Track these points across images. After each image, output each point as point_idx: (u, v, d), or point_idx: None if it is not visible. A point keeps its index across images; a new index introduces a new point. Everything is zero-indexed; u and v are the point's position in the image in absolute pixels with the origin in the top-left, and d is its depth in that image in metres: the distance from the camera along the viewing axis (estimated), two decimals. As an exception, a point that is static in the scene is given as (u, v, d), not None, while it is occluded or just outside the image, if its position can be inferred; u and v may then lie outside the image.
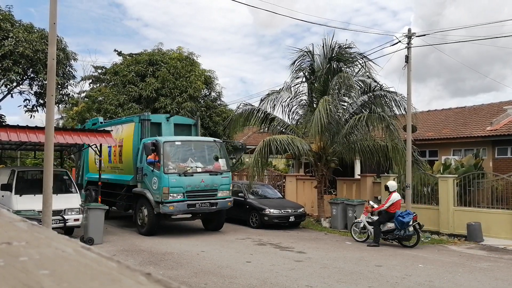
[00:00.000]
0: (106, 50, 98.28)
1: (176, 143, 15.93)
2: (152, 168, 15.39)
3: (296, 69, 20.63)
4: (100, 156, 16.73)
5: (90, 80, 36.08)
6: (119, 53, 31.24)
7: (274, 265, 11.13)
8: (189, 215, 16.07)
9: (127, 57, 29.95)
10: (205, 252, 12.70)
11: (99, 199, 16.79)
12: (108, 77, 30.13)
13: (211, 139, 17.50)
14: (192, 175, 15.37)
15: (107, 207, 15.35)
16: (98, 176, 18.52)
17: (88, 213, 13.76)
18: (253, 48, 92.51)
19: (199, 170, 15.67)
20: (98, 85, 34.09)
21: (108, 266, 0.83)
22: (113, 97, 26.28)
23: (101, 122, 20.37)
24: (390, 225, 14.34)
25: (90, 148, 17.62)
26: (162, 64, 27.33)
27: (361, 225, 15.16)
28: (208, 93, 29.56)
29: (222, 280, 9.49)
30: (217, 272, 10.28)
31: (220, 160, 16.43)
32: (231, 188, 16.75)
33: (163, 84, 26.16)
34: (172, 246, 13.64)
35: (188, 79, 26.58)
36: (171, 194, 14.92)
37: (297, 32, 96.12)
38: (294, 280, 9.61)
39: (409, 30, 17.75)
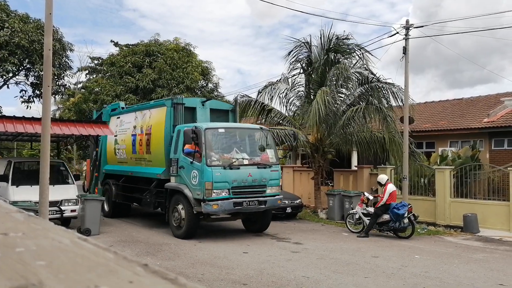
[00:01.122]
0: (102, 41, 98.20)
1: (219, 130, 13.81)
2: (192, 160, 13.20)
3: (293, 60, 20.59)
4: (96, 147, 16.71)
5: (87, 71, 36.01)
6: (116, 44, 31.19)
7: (271, 256, 11.16)
8: (229, 215, 14.07)
9: (124, 48, 29.94)
10: (202, 243, 12.73)
11: (96, 190, 16.77)
12: (104, 68, 30.10)
13: (258, 126, 15.50)
14: (238, 168, 13.21)
15: (103, 198, 15.24)
16: (118, 169, 17.37)
17: (85, 204, 13.77)
18: (251, 39, 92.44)
19: (245, 162, 13.55)
20: (94, 76, 34.04)
21: (105, 257, 0.83)
22: (110, 88, 26.25)
23: (122, 108, 18.36)
24: (386, 217, 14.38)
25: (108, 136, 16.92)
26: (158, 55, 27.32)
27: (356, 216, 15.19)
28: (205, 84, 29.59)
29: (219, 271, 9.53)
30: (214, 262, 10.31)
31: (268, 150, 14.35)
32: (281, 183, 14.94)
33: (160, 75, 26.15)
34: (169, 237, 13.67)
35: (185, 70, 26.58)
36: (214, 191, 12.74)
37: (294, 23, 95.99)
38: (291, 270, 9.65)
39: (407, 21, 17.72)
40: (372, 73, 19.55)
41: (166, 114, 14.87)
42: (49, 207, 11.36)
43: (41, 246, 0.85)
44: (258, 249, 12.05)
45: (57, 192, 13.66)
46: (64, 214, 14.11)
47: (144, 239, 13.28)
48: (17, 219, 1.07)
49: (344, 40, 19.70)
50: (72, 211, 14.31)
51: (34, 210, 11.25)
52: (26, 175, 15.69)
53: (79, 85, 40.59)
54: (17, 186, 14.31)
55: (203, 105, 15.60)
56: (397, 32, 17.77)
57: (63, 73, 23.22)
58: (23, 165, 17.02)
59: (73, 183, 15.61)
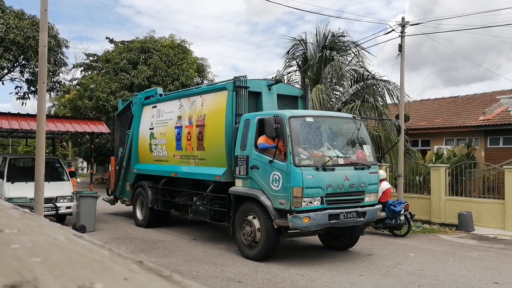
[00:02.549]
0: (98, 38, 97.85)
1: (307, 119, 10.64)
2: (272, 158, 10.01)
3: (289, 57, 20.65)
4: (92, 144, 16.66)
5: (82, 68, 35.92)
6: (111, 41, 31.16)
7: (266, 253, 11.16)
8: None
9: (119, 45, 29.93)
10: (196, 240, 12.72)
11: (91, 187, 16.73)
12: (100, 65, 30.07)
13: (350, 115, 12.24)
14: (332, 170, 10.05)
15: (99, 195, 15.11)
16: (155, 168, 14.67)
17: (80, 201, 13.74)
18: (246, 36, 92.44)
19: (340, 161, 10.44)
20: (90, 72, 33.96)
21: (100, 254, 0.83)
22: (105, 85, 26.23)
23: (160, 95, 14.98)
24: (382, 214, 14.38)
25: (141, 129, 15.17)
26: (154, 51, 27.30)
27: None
28: (200, 81, 29.57)
29: (214, 268, 9.53)
30: (209, 260, 10.31)
31: (364, 146, 11.21)
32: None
33: (155, 72, 26.15)
34: (164, 234, 13.65)
35: (180, 67, 26.57)
36: (305, 199, 9.57)
37: (290, 20, 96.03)
38: (286, 268, 9.66)
39: (403, 18, 17.72)
40: (367, 71, 19.64)
41: (227, 100, 11.67)
42: (44, 203, 11.36)
43: (36, 243, 0.85)
44: (253, 246, 12.05)
45: (52, 189, 13.64)
46: (59, 211, 14.08)
47: (139, 236, 13.25)
48: (13, 216, 1.07)
49: (340, 38, 19.78)
50: (67, 207, 14.29)
51: (29, 206, 11.24)
52: (21, 171, 15.66)
53: (74, 82, 40.51)
54: (12, 183, 14.26)
55: (269, 89, 12.40)
56: (393, 30, 17.79)
57: (58, 69, 23.15)
58: (18, 161, 16.97)
59: (68, 180, 15.58)
